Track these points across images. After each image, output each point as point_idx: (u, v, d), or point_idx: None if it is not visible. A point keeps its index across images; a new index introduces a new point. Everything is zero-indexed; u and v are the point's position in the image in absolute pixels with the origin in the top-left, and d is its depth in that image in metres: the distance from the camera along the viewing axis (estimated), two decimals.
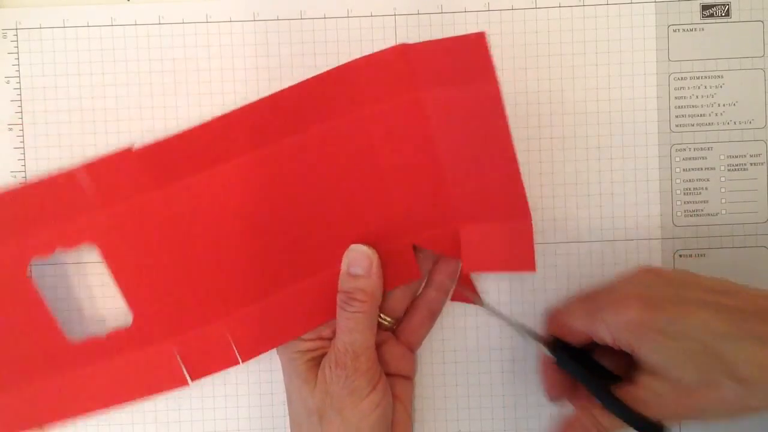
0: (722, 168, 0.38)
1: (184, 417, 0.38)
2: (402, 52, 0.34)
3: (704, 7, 0.38)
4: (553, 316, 0.36)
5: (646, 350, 0.31)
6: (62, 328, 0.38)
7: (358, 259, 0.35)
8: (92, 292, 0.38)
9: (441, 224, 0.36)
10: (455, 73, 0.34)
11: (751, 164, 0.38)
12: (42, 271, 0.38)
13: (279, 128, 0.36)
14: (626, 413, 0.31)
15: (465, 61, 0.34)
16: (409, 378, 0.37)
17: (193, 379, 0.36)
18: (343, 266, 0.35)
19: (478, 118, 0.34)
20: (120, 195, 0.35)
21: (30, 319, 0.36)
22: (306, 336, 0.36)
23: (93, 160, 0.35)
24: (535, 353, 0.38)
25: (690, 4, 0.38)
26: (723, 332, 0.30)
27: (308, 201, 0.36)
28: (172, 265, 0.36)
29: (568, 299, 0.36)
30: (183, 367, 0.36)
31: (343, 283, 0.35)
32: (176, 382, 0.36)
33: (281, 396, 0.38)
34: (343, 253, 0.35)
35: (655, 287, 0.32)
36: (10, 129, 0.38)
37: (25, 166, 0.38)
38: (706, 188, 0.38)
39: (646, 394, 0.31)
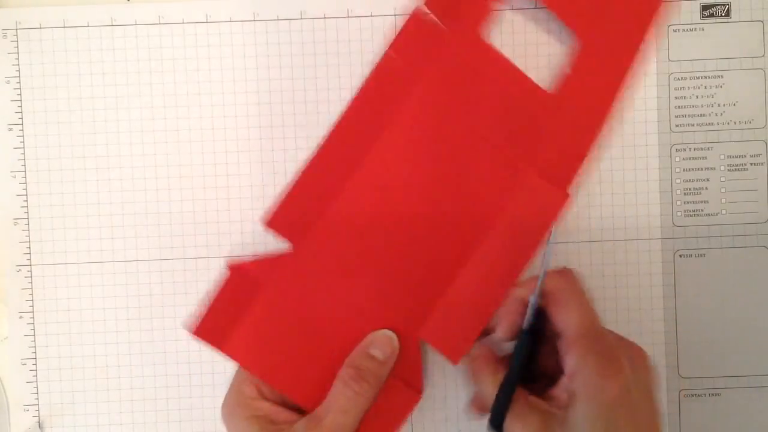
0: (722, 168, 0.38)
1: (184, 417, 0.38)
2: None
3: (704, 7, 0.38)
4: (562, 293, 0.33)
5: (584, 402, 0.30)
6: (61, 328, 0.38)
7: (383, 343, 0.34)
8: (92, 292, 0.38)
9: None
10: None
11: (751, 164, 0.38)
12: (42, 271, 0.38)
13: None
14: (500, 406, 0.32)
15: None
16: None
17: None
18: (364, 343, 0.35)
19: None
20: None
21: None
22: (269, 396, 0.34)
23: None
24: None
25: (690, 4, 0.38)
26: None
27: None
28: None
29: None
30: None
31: (358, 359, 0.34)
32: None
33: None
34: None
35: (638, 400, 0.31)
36: (10, 129, 0.38)
37: (25, 166, 0.38)
38: (706, 188, 0.38)
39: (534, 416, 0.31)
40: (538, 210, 0.35)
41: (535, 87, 0.36)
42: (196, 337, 0.35)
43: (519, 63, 0.36)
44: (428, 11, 0.36)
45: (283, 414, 0.34)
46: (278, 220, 0.36)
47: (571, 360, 0.31)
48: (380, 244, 0.36)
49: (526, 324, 0.33)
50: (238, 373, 0.35)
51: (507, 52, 0.37)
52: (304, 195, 0.36)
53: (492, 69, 0.36)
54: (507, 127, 0.36)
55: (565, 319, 0.32)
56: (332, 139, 0.36)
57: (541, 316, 0.33)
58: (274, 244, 0.36)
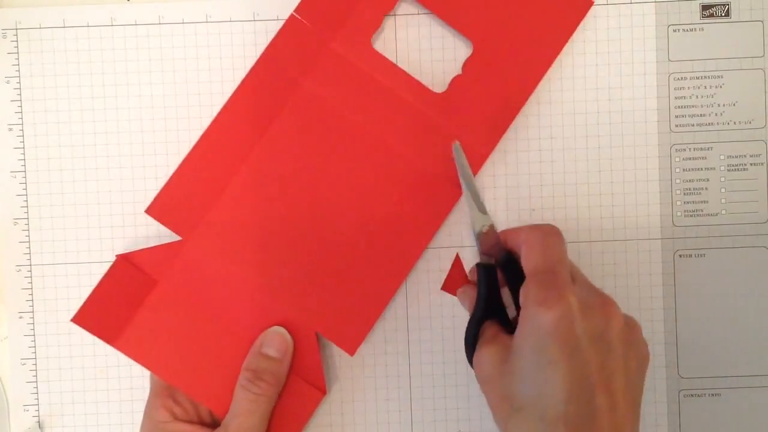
0: (722, 168, 0.38)
1: None
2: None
3: (704, 7, 0.38)
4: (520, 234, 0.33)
5: (525, 337, 0.29)
6: (61, 328, 0.38)
7: (275, 340, 0.34)
8: None
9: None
10: None
11: (751, 164, 0.38)
12: (42, 271, 0.38)
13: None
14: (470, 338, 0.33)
15: None
16: None
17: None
18: (256, 343, 0.35)
19: None
20: None
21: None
22: (181, 417, 0.35)
23: None
24: None
25: (690, 4, 0.38)
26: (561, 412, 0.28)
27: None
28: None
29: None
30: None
31: (253, 361, 0.34)
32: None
33: None
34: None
35: (595, 336, 0.29)
36: (10, 129, 0.38)
37: (25, 166, 0.38)
38: (706, 188, 0.38)
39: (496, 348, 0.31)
40: (430, 205, 0.36)
41: (423, 88, 0.36)
42: (76, 324, 0.35)
43: (412, 68, 0.37)
44: (300, 17, 0.36)
45: None
46: (158, 208, 0.36)
47: (521, 293, 0.30)
48: (271, 238, 0.36)
49: (480, 258, 0.35)
50: (148, 399, 0.35)
51: (401, 56, 0.37)
52: (184, 185, 0.36)
53: (379, 73, 0.36)
54: (397, 126, 0.36)
55: (526, 261, 0.31)
56: (212, 131, 0.36)
57: (514, 260, 0.33)
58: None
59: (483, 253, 0.35)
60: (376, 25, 0.36)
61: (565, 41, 0.37)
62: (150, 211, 0.36)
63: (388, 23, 0.38)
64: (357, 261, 0.36)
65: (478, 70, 0.36)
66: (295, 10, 0.36)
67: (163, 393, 0.35)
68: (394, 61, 0.37)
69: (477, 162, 0.36)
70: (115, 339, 0.35)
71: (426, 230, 0.36)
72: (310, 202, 0.36)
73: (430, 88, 0.37)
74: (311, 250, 0.36)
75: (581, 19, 0.37)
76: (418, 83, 0.36)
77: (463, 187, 0.35)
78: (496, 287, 0.34)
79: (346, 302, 0.36)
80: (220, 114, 0.36)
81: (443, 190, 0.36)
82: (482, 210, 0.35)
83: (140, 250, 0.36)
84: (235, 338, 0.35)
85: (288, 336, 0.35)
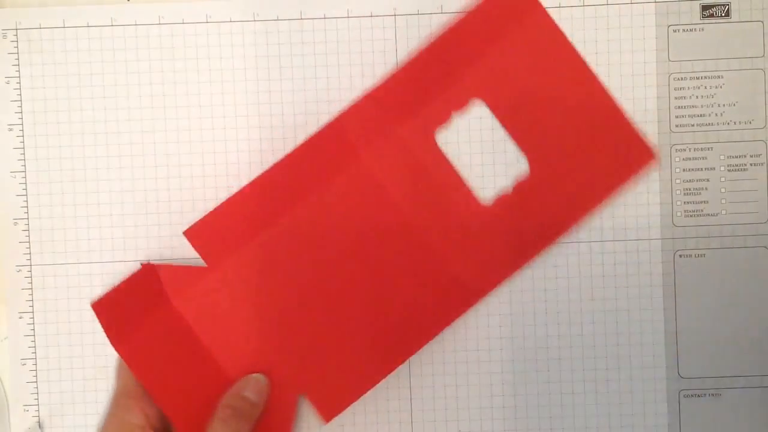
0: (722, 168, 0.38)
1: None
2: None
3: (704, 8, 0.38)
4: None
5: None
6: (61, 328, 0.38)
7: (256, 387, 0.35)
8: (92, 292, 0.38)
9: None
10: None
11: (751, 164, 0.38)
12: (42, 271, 0.38)
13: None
14: None
15: None
16: None
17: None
18: (239, 385, 0.35)
19: None
20: None
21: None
22: (154, 422, 0.34)
23: None
24: (535, 353, 0.38)
25: (690, 4, 0.38)
26: None
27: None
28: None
29: None
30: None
31: (234, 399, 0.35)
32: None
33: None
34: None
35: None
36: (10, 129, 0.38)
37: (25, 166, 0.38)
38: (706, 188, 0.38)
39: None
40: (445, 305, 0.36)
41: (470, 196, 0.37)
42: (95, 309, 0.35)
43: (464, 168, 0.37)
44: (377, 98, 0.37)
45: None
46: (195, 233, 0.36)
47: None
48: (285, 293, 0.36)
49: None
50: (116, 399, 0.35)
51: (458, 153, 0.37)
52: (227, 218, 0.36)
53: (434, 167, 0.37)
54: (435, 222, 0.37)
55: None
56: (268, 176, 0.37)
57: None
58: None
59: None
60: (444, 120, 0.37)
61: (617, 188, 0.37)
62: (188, 233, 0.36)
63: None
64: (359, 336, 0.36)
65: (527, 196, 0.37)
66: (374, 90, 0.37)
67: (138, 393, 0.35)
68: (450, 157, 0.37)
69: (498, 278, 0.37)
70: (120, 342, 0.35)
71: (432, 327, 0.37)
72: (332, 269, 0.36)
73: (478, 195, 0.37)
74: (319, 315, 0.36)
75: (638, 171, 0.37)
76: (468, 190, 0.37)
77: None
78: None
79: (337, 372, 0.36)
80: (280, 162, 0.37)
81: (460, 294, 0.37)
82: None
83: (167, 264, 0.36)
84: (223, 375, 0.36)
85: (266, 384, 0.36)
